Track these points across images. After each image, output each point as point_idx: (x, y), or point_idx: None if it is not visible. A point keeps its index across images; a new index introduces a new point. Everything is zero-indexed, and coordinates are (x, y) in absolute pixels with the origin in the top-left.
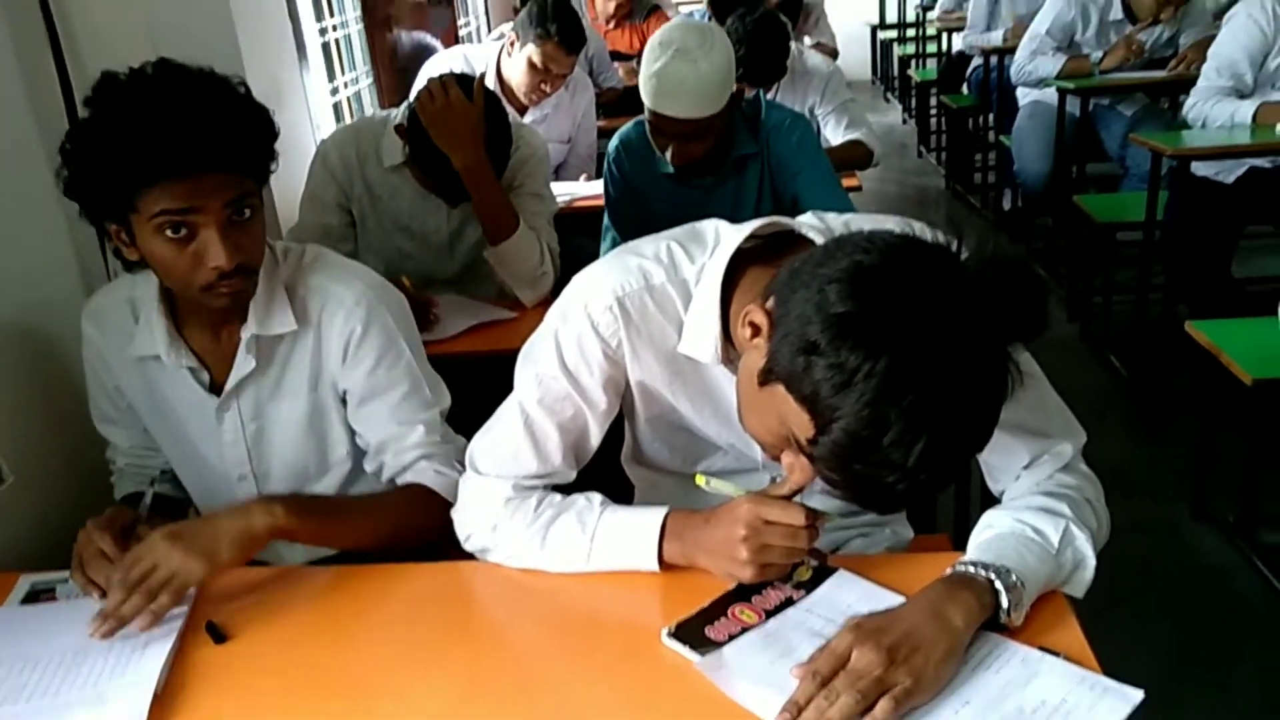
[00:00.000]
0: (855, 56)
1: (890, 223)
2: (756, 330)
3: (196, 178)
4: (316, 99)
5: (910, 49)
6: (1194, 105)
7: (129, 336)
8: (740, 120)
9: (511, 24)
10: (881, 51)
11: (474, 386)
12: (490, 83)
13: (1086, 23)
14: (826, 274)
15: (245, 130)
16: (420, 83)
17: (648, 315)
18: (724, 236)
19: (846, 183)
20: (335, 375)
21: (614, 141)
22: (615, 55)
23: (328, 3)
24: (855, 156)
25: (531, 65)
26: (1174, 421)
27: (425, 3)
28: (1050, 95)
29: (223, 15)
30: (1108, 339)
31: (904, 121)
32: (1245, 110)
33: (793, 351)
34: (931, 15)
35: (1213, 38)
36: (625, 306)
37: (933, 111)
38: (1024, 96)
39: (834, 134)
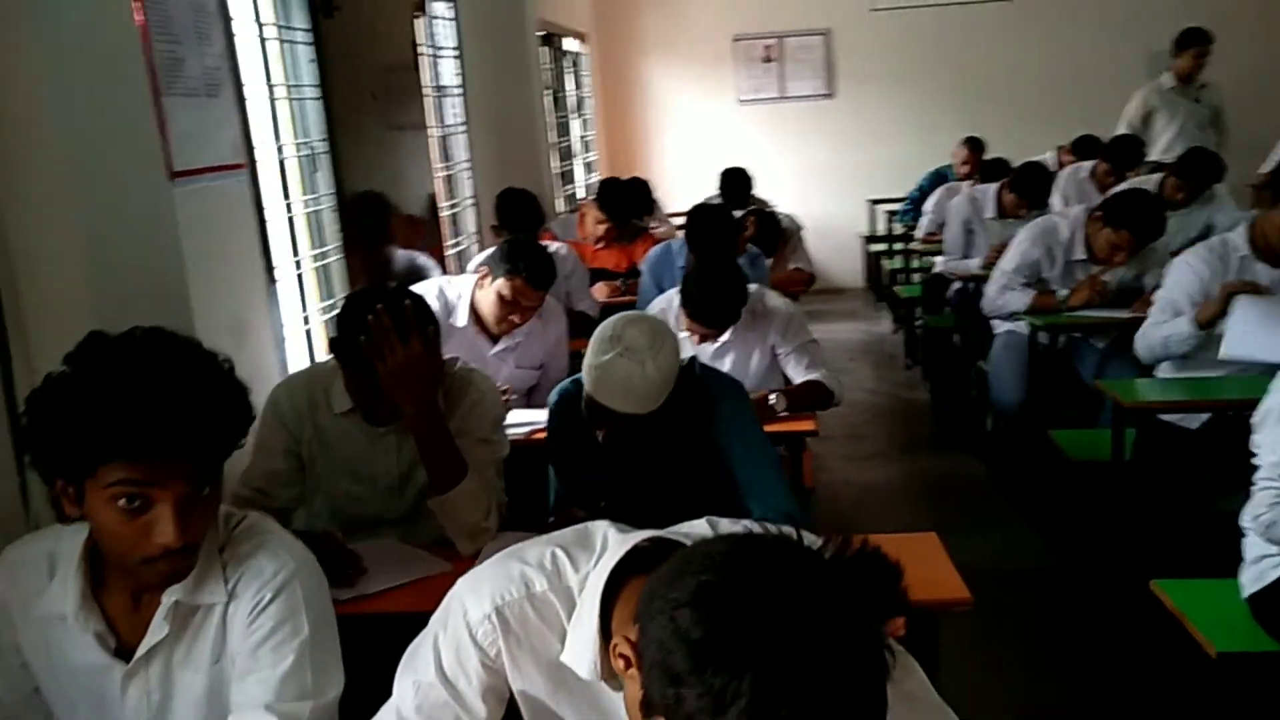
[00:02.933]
0: (847, 265)
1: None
2: (629, 662)
3: (157, 461)
4: (289, 332)
5: (898, 262)
6: (1141, 339)
7: (39, 593)
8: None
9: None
10: (872, 262)
11: (391, 648)
12: (464, 312)
13: (1052, 261)
14: (676, 598)
15: (215, 419)
16: None
17: (528, 625)
18: (611, 545)
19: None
20: (235, 646)
21: (554, 394)
22: (601, 273)
23: (309, 231)
24: (816, 397)
25: (501, 298)
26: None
27: (418, 218)
28: (1023, 326)
29: (170, 246)
30: (1084, 577)
31: (894, 331)
32: (1182, 325)
33: (662, 684)
34: (915, 234)
35: None
36: (504, 616)
37: (918, 325)
38: (998, 326)
39: (795, 374)
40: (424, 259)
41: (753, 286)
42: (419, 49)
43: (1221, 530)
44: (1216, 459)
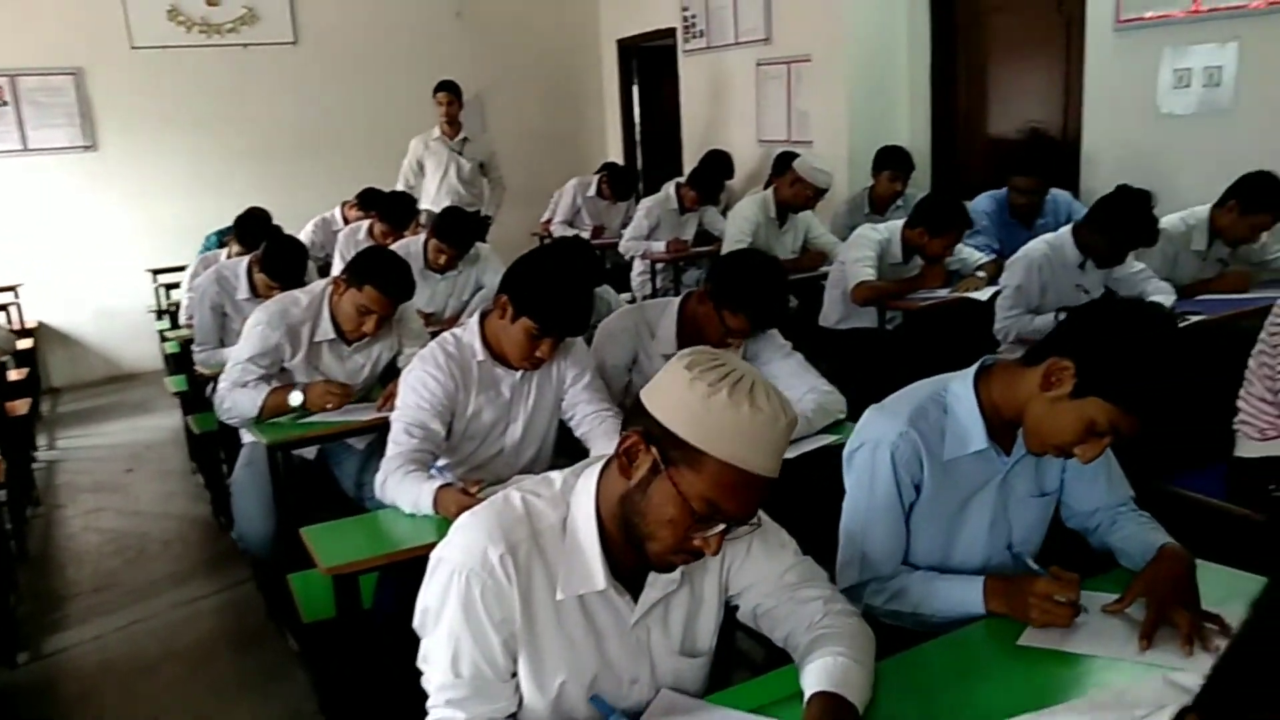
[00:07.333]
0: (143, 347)
1: None
2: None
3: None
4: None
5: (176, 346)
6: (387, 483)
7: None
8: None
9: None
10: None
11: None
12: None
13: (296, 347)
14: None
15: None
16: None
17: None
18: None
19: None
20: None
21: None
22: None
23: None
24: None
25: None
26: None
27: None
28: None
29: None
30: None
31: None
32: (425, 498)
33: None
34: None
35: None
36: None
37: None
38: (244, 435)
39: None
40: None
41: None
42: None
43: None
44: None
